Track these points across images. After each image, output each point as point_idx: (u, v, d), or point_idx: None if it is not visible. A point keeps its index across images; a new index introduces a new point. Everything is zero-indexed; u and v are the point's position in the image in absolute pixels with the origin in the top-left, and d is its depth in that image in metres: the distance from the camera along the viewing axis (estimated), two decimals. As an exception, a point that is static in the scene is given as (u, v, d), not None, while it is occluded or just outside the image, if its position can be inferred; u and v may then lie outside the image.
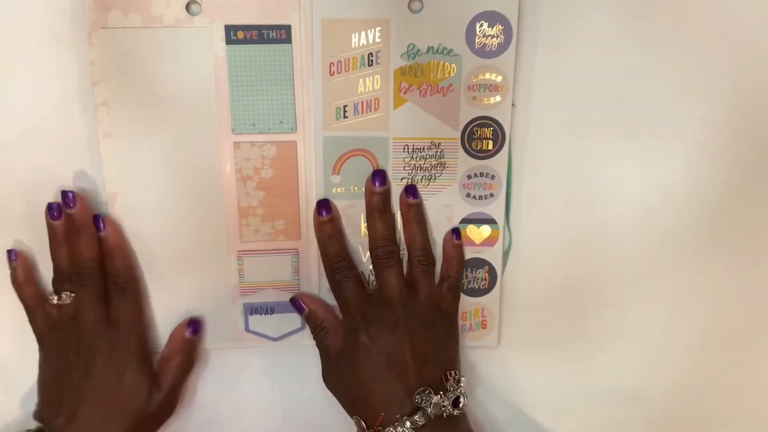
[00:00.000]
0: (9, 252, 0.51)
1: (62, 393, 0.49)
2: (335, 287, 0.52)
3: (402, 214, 0.52)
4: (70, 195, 0.49)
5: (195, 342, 0.53)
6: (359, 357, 0.49)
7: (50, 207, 0.50)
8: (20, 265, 0.51)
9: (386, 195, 0.52)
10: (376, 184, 0.51)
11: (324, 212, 0.51)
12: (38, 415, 0.50)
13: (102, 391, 0.49)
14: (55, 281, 0.50)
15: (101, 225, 0.50)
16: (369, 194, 0.51)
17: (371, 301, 0.51)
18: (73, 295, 0.50)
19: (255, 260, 0.53)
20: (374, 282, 0.52)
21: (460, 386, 0.49)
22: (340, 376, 0.50)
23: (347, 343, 0.50)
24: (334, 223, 0.52)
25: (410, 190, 0.52)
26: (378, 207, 0.51)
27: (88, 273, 0.49)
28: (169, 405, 0.52)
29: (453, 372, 0.50)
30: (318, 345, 0.52)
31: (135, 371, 0.50)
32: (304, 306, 0.52)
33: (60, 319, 0.50)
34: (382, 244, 0.51)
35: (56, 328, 0.50)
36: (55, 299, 0.50)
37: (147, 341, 0.52)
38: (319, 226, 0.52)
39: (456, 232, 0.53)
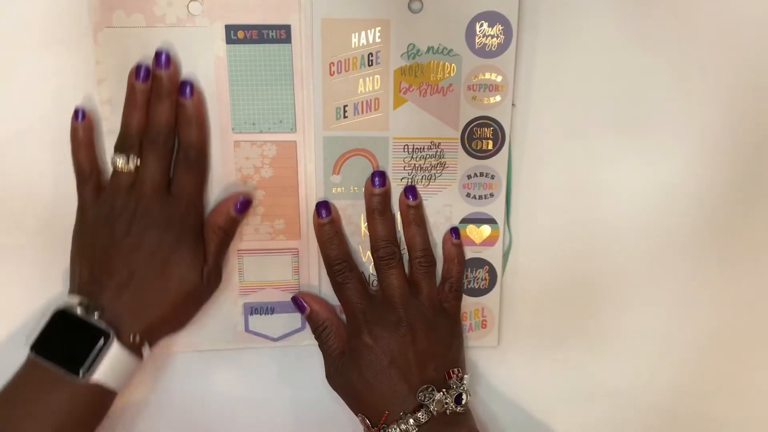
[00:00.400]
0: (77, 110, 0.49)
1: (111, 264, 0.47)
2: (337, 289, 0.52)
3: (401, 214, 0.52)
4: (164, 55, 0.47)
5: (238, 221, 0.51)
6: (363, 357, 0.49)
7: (138, 68, 0.47)
8: (86, 125, 0.49)
9: (386, 196, 0.52)
10: (376, 185, 0.51)
11: (323, 213, 0.51)
12: (79, 290, 0.47)
13: (155, 264, 0.47)
14: (120, 146, 0.48)
15: (188, 92, 0.48)
16: (369, 195, 0.52)
17: (373, 302, 0.51)
18: (138, 160, 0.48)
19: (255, 260, 0.53)
20: (376, 282, 0.52)
21: (463, 384, 0.49)
22: (344, 375, 0.50)
23: (350, 343, 0.50)
24: (333, 224, 0.52)
25: (409, 191, 0.52)
26: (378, 208, 0.51)
27: (162, 140, 0.47)
28: (216, 278, 0.51)
29: (456, 370, 0.50)
30: (320, 345, 0.52)
31: (189, 246, 0.48)
32: (305, 305, 0.52)
33: (115, 188, 0.48)
34: (383, 245, 0.51)
35: (109, 196, 0.48)
36: (120, 161, 0.47)
37: (203, 218, 0.50)
38: (318, 228, 0.52)
39: (455, 231, 0.53)
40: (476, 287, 0.54)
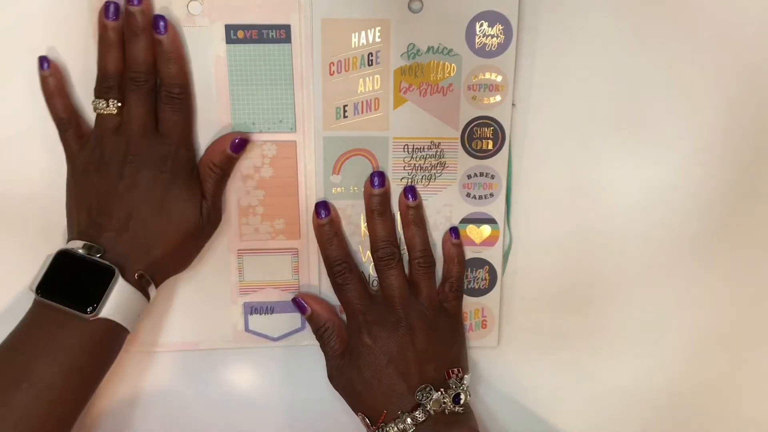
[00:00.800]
0: (41, 59, 0.48)
1: (108, 207, 0.46)
2: (337, 289, 0.51)
3: (401, 215, 0.52)
4: None
5: (234, 159, 0.50)
6: (362, 357, 0.49)
7: (107, 6, 0.46)
8: (53, 73, 0.48)
9: (385, 196, 0.52)
10: (375, 185, 0.51)
11: (322, 213, 0.51)
12: (79, 236, 0.47)
13: (152, 203, 0.47)
14: (99, 89, 0.47)
15: (162, 27, 0.47)
16: (368, 196, 0.51)
17: (373, 302, 0.51)
18: (119, 104, 0.47)
19: (255, 259, 0.53)
20: (376, 283, 0.52)
21: (463, 383, 0.49)
22: (345, 375, 0.50)
23: (350, 343, 0.51)
24: (333, 224, 0.52)
25: (409, 191, 0.52)
26: (377, 208, 0.51)
27: (142, 78, 0.47)
28: (216, 216, 0.50)
29: (456, 369, 0.50)
30: (321, 346, 0.52)
31: (185, 183, 0.48)
32: (306, 306, 0.52)
33: (101, 131, 0.47)
34: (382, 245, 0.51)
35: (97, 141, 0.47)
36: (101, 104, 0.47)
37: (195, 155, 0.50)
38: (318, 228, 0.52)
39: (454, 231, 0.53)
40: (476, 287, 0.54)
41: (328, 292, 0.53)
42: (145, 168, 0.47)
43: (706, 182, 0.53)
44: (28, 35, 0.49)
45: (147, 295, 0.47)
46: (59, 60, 0.49)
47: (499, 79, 0.50)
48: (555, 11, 0.50)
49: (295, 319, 0.54)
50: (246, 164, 0.51)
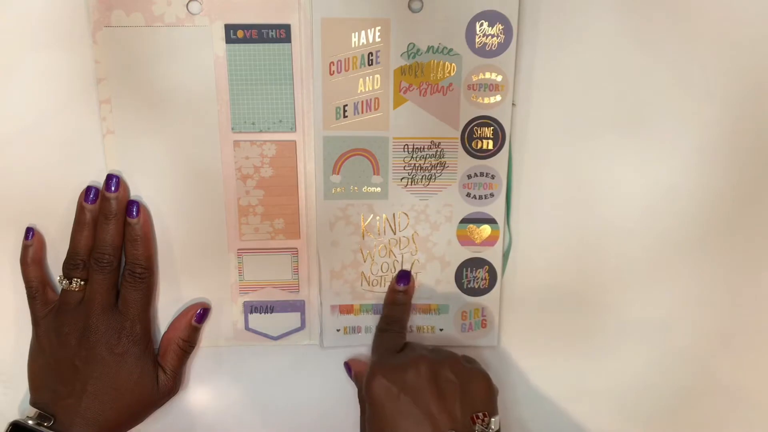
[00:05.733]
0: (28, 230, 0.51)
1: (64, 377, 0.49)
2: (378, 334, 0.53)
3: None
4: (115, 179, 0.50)
5: (199, 329, 0.53)
6: (388, 402, 0.48)
7: (88, 190, 0.50)
8: (35, 244, 0.51)
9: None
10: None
11: (402, 283, 0.53)
12: (37, 400, 0.50)
13: (107, 377, 0.49)
14: (67, 266, 0.50)
15: (134, 212, 0.50)
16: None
17: (397, 354, 0.50)
18: (83, 282, 0.50)
19: (255, 259, 0.53)
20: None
21: (490, 428, 0.47)
22: (371, 423, 0.49)
23: (366, 381, 0.49)
24: (407, 294, 0.53)
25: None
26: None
27: (108, 260, 0.49)
28: (174, 385, 0.53)
29: (482, 414, 0.47)
30: (360, 401, 0.52)
31: (137, 357, 0.50)
32: (351, 369, 0.54)
33: (64, 304, 0.50)
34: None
35: (59, 312, 0.50)
36: (66, 283, 0.50)
37: (151, 330, 0.52)
38: (392, 293, 0.53)
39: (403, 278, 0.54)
40: (476, 287, 0.54)
41: (327, 291, 0.53)
42: (100, 343, 0.49)
43: (706, 182, 0.53)
44: (28, 35, 0.49)
45: None
46: (42, 227, 0.52)
47: (499, 78, 0.50)
48: (555, 11, 0.50)
49: (294, 318, 0.54)
50: (246, 164, 0.51)
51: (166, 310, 0.54)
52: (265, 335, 0.54)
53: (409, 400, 0.47)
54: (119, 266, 0.50)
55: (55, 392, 0.49)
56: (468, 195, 0.52)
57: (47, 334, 0.50)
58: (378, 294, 0.54)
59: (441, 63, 0.50)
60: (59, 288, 0.51)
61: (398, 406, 0.47)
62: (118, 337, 0.50)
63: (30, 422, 0.48)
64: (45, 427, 0.48)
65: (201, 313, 0.53)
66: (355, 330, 0.55)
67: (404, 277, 0.53)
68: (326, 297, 0.54)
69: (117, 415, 0.49)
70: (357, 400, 0.52)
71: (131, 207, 0.50)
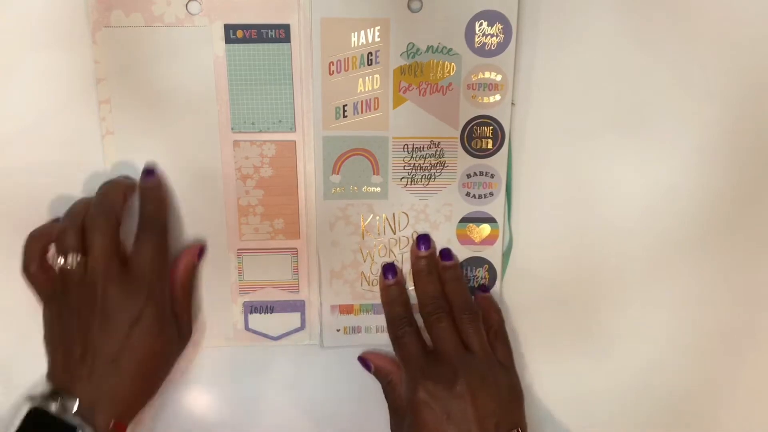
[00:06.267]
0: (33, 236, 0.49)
1: (84, 355, 0.46)
2: (397, 343, 0.51)
3: (440, 275, 0.52)
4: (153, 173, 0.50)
5: (198, 265, 0.53)
6: (422, 414, 0.48)
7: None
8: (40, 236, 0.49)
9: (432, 257, 0.53)
10: (422, 248, 0.52)
11: (390, 276, 0.53)
12: (54, 378, 0.47)
13: (127, 348, 0.47)
14: (59, 244, 0.47)
15: (150, 175, 0.50)
16: (415, 258, 0.53)
17: (429, 358, 0.50)
18: (79, 257, 0.47)
19: (254, 259, 0.53)
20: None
21: None
22: (406, 430, 0.49)
23: (408, 398, 0.49)
24: (399, 285, 0.53)
25: (445, 254, 0.53)
26: (425, 269, 0.52)
27: (105, 214, 0.48)
28: (188, 332, 0.52)
29: (516, 430, 0.48)
30: (386, 398, 0.52)
31: (157, 317, 0.48)
32: (370, 363, 0.53)
33: (66, 281, 0.47)
34: (431, 302, 0.51)
35: (65, 290, 0.47)
36: (60, 260, 0.47)
37: (166, 286, 0.50)
38: (385, 289, 0.53)
39: (483, 288, 0.54)
40: (476, 286, 0.54)
41: (327, 291, 0.53)
42: (118, 314, 0.47)
43: (706, 182, 0.53)
44: (28, 35, 0.49)
45: None
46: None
47: (498, 78, 0.50)
48: (555, 10, 0.50)
49: (294, 318, 0.54)
50: (246, 164, 0.51)
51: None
52: (265, 335, 0.54)
53: (446, 414, 0.47)
54: (118, 225, 0.48)
55: (74, 371, 0.46)
56: (467, 194, 0.53)
57: (60, 313, 0.48)
58: (378, 294, 0.54)
59: (440, 63, 0.50)
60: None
61: (441, 425, 0.47)
62: (133, 301, 0.47)
63: (53, 407, 0.45)
64: (71, 409, 0.45)
65: (201, 249, 0.52)
66: (355, 330, 0.55)
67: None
68: (326, 297, 0.54)
69: (141, 384, 0.48)
70: (357, 399, 0.52)
71: (147, 172, 0.50)
